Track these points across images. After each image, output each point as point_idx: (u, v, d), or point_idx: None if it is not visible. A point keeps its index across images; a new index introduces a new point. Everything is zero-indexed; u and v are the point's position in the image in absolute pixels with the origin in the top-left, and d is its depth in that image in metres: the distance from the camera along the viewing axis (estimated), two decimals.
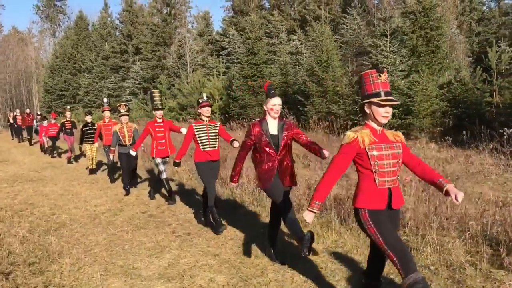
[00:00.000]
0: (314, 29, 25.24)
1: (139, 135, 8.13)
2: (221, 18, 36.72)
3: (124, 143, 8.24)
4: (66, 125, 13.33)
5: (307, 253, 3.69)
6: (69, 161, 13.20)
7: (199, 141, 5.69)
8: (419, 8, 15.07)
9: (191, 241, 5.22)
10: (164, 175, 7.35)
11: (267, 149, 4.14)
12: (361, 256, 4.45)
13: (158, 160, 7.37)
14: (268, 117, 4.18)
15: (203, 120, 5.79)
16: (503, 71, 14.62)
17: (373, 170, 2.86)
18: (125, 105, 8.53)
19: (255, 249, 4.83)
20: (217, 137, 5.87)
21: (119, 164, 9.00)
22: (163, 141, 7.40)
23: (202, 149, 5.67)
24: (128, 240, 5.31)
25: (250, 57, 20.26)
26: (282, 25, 28.50)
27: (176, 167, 6.53)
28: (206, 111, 5.75)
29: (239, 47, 28.42)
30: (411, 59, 15.12)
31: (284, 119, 4.33)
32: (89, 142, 10.90)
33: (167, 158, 7.66)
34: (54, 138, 14.65)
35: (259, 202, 6.72)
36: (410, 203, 5.65)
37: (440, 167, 9.14)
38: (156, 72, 30.52)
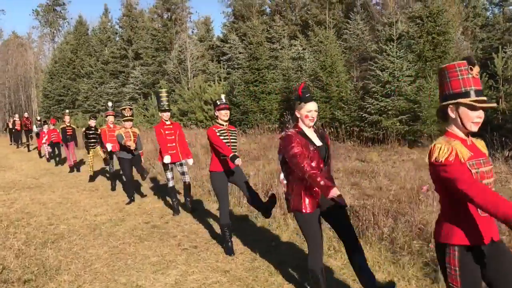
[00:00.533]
0: (318, 34, 25.04)
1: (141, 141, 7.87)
2: (221, 23, 36.83)
3: (127, 148, 7.69)
4: (67, 130, 12.63)
5: None
6: (72, 170, 12.49)
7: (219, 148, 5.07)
8: (426, 12, 14.82)
9: (198, 255, 4.88)
10: (171, 183, 6.92)
11: (314, 163, 3.33)
12: (384, 273, 4.11)
13: (166, 167, 6.88)
14: (302, 126, 3.47)
15: (222, 125, 5.16)
16: (509, 77, 14.35)
17: None
18: (130, 109, 7.92)
19: (267, 265, 4.49)
20: (237, 143, 5.37)
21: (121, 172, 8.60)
22: (173, 144, 6.88)
23: (222, 157, 5.01)
24: (131, 253, 4.95)
25: (252, 62, 19.97)
26: (283, 30, 28.25)
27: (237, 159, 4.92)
28: (224, 114, 5.12)
29: (240, 53, 28.19)
30: (417, 64, 14.85)
31: (316, 128, 3.67)
32: (91, 147, 10.46)
33: (184, 167, 7.05)
34: (58, 144, 14.02)
35: (272, 218, 6.37)
36: (435, 215, 5.30)
37: None
38: (157, 78, 30.23)
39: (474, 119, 2.29)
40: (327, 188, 2.96)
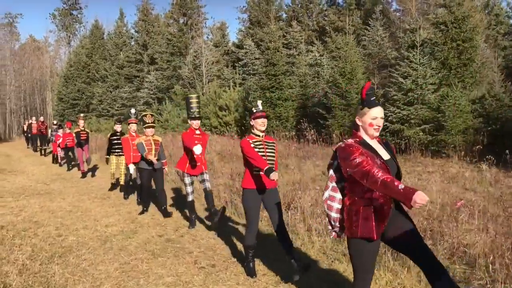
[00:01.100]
0: (335, 40, 24.59)
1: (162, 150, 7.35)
2: (236, 29, 36.62)
3: (148, 161, 7.17)
4: (82, 135, 12.18)
5: None
6: (84, 176, 12.09)
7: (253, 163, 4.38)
8: (451, 18, 14.30)
9: (217, 276, 4.44)
10: (190, 198, 6.37)
11: None
12: None
13: (188, 180, 6.32)
14: (364, 135, 2.91)
15: (258, 135, 4.52)
16: None
17: None
18: (151, 115, 7.41)
19: None
20: (275, 157, 4.63)
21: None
22: (200, 156, 6.21)
23: (255, 172, 4.41)
24: (143, 272, 4.54)
25: (269, 68, 19.58)
26: (300, 36, 27.85)
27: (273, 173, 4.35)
28: (261, 124, 4.45)
29: (256, 58, 27.85)
30: (441, 72, 14.32)
31: (381, 138, 3.07)
32: (116, 154, 9.73)
33: (205, 175, 6.47)
34: (71, 149, 13.56)
35: (290, 228, 5.92)
36: (476, 235, 4.82)
37: (484, 189, 8.29)
38: (171, 82, 29.96)
39: None
40: (411, 193, 2.40)
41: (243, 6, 36.27)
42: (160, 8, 73.29)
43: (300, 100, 19.23)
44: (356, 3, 28.90)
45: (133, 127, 8.67)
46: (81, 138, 12.09)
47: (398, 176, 2.94)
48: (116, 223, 6.69)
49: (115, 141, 9.74)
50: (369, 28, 24.34)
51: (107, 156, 9.97)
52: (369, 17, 25.94)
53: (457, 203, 6.14)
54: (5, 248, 5.16)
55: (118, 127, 9.97)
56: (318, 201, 6.61)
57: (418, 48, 14.28)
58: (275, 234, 4.60)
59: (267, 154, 4.49)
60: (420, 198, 2.35)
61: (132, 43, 37.20)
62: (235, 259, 4.95)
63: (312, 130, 16.21)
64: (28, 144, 23.63)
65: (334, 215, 3.04)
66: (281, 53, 20.54)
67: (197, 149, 5.81)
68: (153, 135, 7.35)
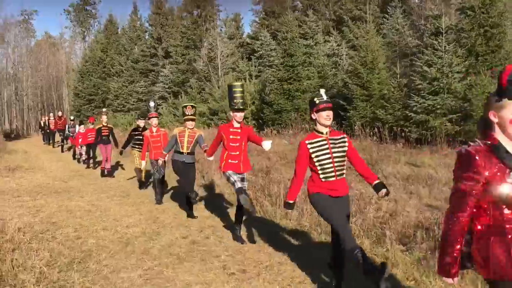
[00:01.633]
0: (353, 29, 24.00)
1: (203, 143, 6.72)
2: (250, 21, 36.17)
3: (181, 150, 6.83)
4: (103, 131, 11.81)
5: None
6: (103, 173, 11.62)
7: (319, 167, 3.69)
8: (478, 3, 13.66)
9: (249, 283, 4.09)
10: (238, 185, 5.34)
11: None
12: None
13: (230, 171, 5.51)
14: (500, 137, 2.10)
15: (322, 133, 3.75)
16: None
17: None
18: (192, 107, 6.88)
19: None
20: (345, 158, 3.82)
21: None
22: (237, 153, 5.50)
23: (324, 179, 3.70)
24: (169, 279, 4.21)
25: (286, 59, 19.16)
26: (317, 26, 27.26)
27: (290, 210, 4.30)
28: (326, 117, 3.67)
29: (271, 50, 27.37)
30: (468, 59, 13.71)
31: None
32: (138, 149, 9.38)
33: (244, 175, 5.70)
34: (92, 145, 13.08)
35: (323, 229, 5.54)
36: None
37: None
38: (187, 76, 29.68)
39: None
40: (448, 266, 2.12)
41: None
42: (174, 1, 72.78)
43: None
44: None
45: (154, 121, 8.23)
46: (103, 134, 11.76)
47: None
48: (137, 223, 6.39)
49: (137, 136, 9.45)
50: (387, 16, 23.66)
51: (122, 149, 9.89)
52: (387, 5, 25.25)
53: None
54: (22, 253, 4.87)
55: (141, 122, 9.65)
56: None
57: (443, 35, 13.68)
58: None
59: (334, 155, 3.70)
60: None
61: (147, 37, 36.99)
62: (267, 264, 4.59)
63: (333, 122, 15.77)
64: (44, 140, 23.57)
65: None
66: (299, 43, 20.07)
67: (266, 144, 5.40)
68: (193, 128, 6.90)
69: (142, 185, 9.59)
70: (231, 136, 5.49)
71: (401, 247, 4.82)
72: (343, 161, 3.79)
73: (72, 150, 16.34)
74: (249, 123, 21.23)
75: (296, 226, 5.92)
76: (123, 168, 12.82)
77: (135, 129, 9.67)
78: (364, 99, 15.68)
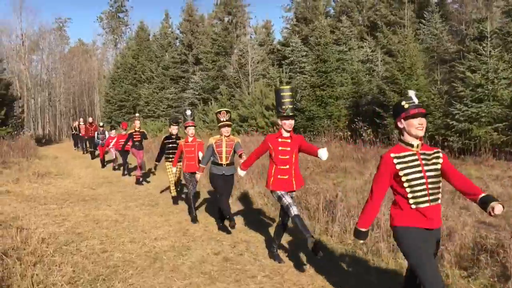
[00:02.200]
0: (387, 35, 23.31)
1: (240, 149, 6.05)
2: (281, 28, 36.03)
3: (219, 162, 6.13)
4: (135, 136, 11.21)
5: None
6: (138, 182, 11.00)
7: (408, 189, 2.99)
8: None
9: None
10: (294, 210, 4.58)
11: None
12: None
13: (282, 191, 4.74)
14: None
15: (412, 146, 3.03)
16: None
17: None
18: (227, 112, 6.16)
19: None
20: (440, 178, 3.05)
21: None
22: (287, 166, 4.74)
23: (414, 205, 2.98)
24: None
25: (319, 64, 18.66)
26: (350, 32, 26.67)
27: (362, 240, 3.41)
28: (418, 126, 2.98)
29: (302, 56, 26.92)
30: None
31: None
32: (170, 160, 8.45)
33: (293, 194, 5.00)
34: (125, 152, 12.40)
35: (369, 248, 5.00)
36: None
37: None
38: (217, 83, 29.49)
39: None
40: None
41: (287, 5, 35.40)
42: (204, 9, 73.38)
43: (352, 98, 18.16)
44: None
45: (190, 130, 7.35)
46: (135, 139, 11.24)
47: None
48: (166, 236, 5.98)
49: (171, 145, 8.55)
50: (424, 21, 22.88)
51: (157, 162, 8.88)
52: (423, 10, 24.46)
53: None
54: (43, 267, 4.53)
55: (174, 129, 8.63)
56: None
57: (489, 40, 12.93)
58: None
59: (428, 175, 2.98)
60: None
61: (177, 43, 37.12)
62: (309, 285, 4.10)
63: (369, 130, 15.16)
64: (75, 146, 23.64)
65: None
66: (332, 48, 19.55)
67: (323, 153, 4.55)
68: (229, 135, 6.18)
69: (176, 200, 8.55)
70: (280, 148, 4.75)
71: (461, 272, 4.25)
72: (439, 182, 3.02)
73: (99, 158, 15.83)
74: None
75: (338, 244, 5.40)
76: (154, 174, 12.43)
77: (168, 137, 8.69)
78: None
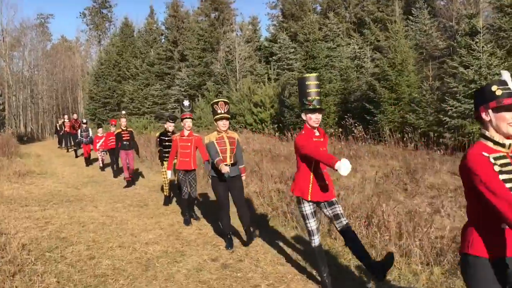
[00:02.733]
0: (374, 32, 23.14)
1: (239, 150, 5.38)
2: (266, 25, 35.65)
3: (223, 163, 5.09)
4: (124, 135, 10.41)
5: None
6: (129, 184, 10.22)
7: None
8: None
9: None
10: (316, 241, 3.94)
11: None
12: None
13: (309, 208, 3.92)
14: None
15: (503, 146, 2.27)
16: None
17: None
18: (225, 103, 5.30)
19: None
20: None
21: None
22: (324, 171, 3.91)
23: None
24: None
25: (309, 61, 18.32)
26: (338, 28, 26.47)
27: None
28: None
29: (290, 52, 26.65)
30: (507, 60, 12.77)
31: None
32: (166, 159, 7.75)
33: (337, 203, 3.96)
34: (114, 151, 11.74)
35: (378, 252, 4.69)
36: None
37: None
38: (203, 79, 29.05)
39: None
40: None
41: (273, 2, 35.12)
42: (189, 3, 72.65)
43: (341, 95, 17.92)
44: None
45: (188, 122, 6.53)
46: (124, 139, 10.40)
47: None
48: (158, 240, 5.61)
49: (166, 143, 7.86)
50: (412, 17, 22.76)
51: (164, 161, 8.00)
52: (410, 6, 24.36)
53: None
54: (24, 278, 4.13)
55: (170, 126, 7.94)
56: (404, 212, 5.38)
57: (481, 35, 12.76)
58: None
59: None
60: None
61: (163, 40, 36.55)
62: None
63: (360, 126, 14.92)
64: (59, 144, 22.98)
65: None
66: (322, 45, 19.27)
67: (343, 167, 3.19)
68: (227, 130, 5.27)
69: (168, 201, 8.00)
70: (321, 148, 3.86)
71: None
72: None
73: (84, 156, 15.22)
74: (267, 127, 20.45)
75: (344, 247, 5.07)
76: (142, 176, 11.98)
77: (164, 134, 8.01)
78: (393, 103, 14.81)
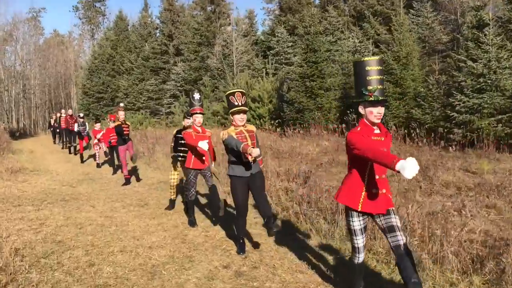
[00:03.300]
0: (374, 25, 22.69)
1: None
2: (262, 20, 35.13)
3: (244, 159, 4.64)
4: (124, 129, 9.80)
5: None
6: (128, 183, 9.75)
7: None
8: None
9: None
10: (360, 257, 3.39)
11: None
12: None
13: (358, 224, 3.30)
14: None
15: None
16: None
17: None
18: (242, 94, 4.73)
19: None
20: None
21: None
22: (383, 176, 3.26)
23: None
24: None
25: (309, 54, 17.87)
26: (337, 22, 26.03)
27: None
28: None
29: (288, 46, 26.20)
30: None
31: None
32: (181, 158, 6.85)
33: (395, 215, 3.27)
34: (113, 148, 11.23)
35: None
36: None
37: None
38: (200, 74, 28.52)
39: None
40: None
41: None
42: None
43: (343, 89, 17.51)
44: None
45: (198, 118, 6.00)
46: (124, 132, 9.78)
47: None
48: (163, 244, 5.16)
49: (183, 141, 6.59)
50: (412, 11, 22.36)
51: (175, 153, 7.14)
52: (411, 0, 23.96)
53: None
54: None
55: (187, 122, 6.84)
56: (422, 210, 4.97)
57: (491, 28, 12.38)
58: None
59: None
60: None
61: (158, 34, 35.93)
62: None
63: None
64: (54, 140, 22.36)
65: None
66: (323, 38, 18.84)
67: (409, 168, 2.56)
68: (244, 124, 4.77)
69: (173, 205, 7.25)
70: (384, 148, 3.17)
71: None
72: None
73: (80, 153, 14.69)
74: (266, 123, 20.01)
75: (367, 253, 4.66)
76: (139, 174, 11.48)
77: (181, 131, 6.95)
78: (398, 97, 14.44)
